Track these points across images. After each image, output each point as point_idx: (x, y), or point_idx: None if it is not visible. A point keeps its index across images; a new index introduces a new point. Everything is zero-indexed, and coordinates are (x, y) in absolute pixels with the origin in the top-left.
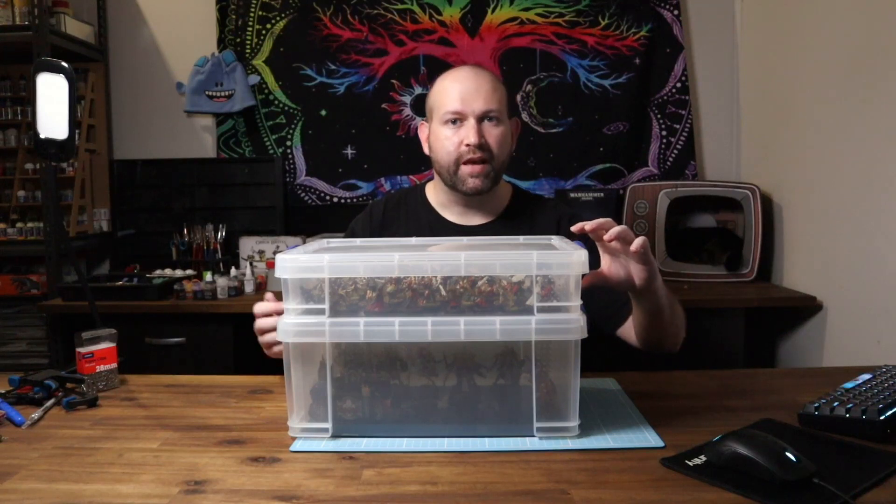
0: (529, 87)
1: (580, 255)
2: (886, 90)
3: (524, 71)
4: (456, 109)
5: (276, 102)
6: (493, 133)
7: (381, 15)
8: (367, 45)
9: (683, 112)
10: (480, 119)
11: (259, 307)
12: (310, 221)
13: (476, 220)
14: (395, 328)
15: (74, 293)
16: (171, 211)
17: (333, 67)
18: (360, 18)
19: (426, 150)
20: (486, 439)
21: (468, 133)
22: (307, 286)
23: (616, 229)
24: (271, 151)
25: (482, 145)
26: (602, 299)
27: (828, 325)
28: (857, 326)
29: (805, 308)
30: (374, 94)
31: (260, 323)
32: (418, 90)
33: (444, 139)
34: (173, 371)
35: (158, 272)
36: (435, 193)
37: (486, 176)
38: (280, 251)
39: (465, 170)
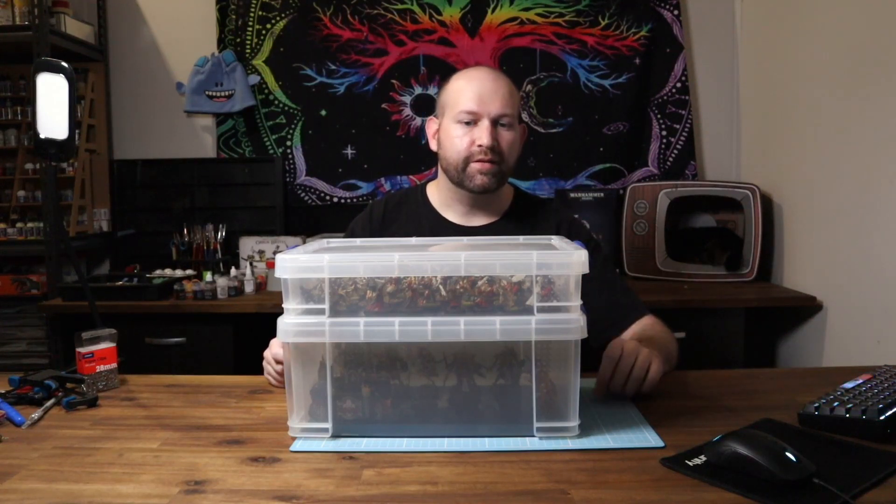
0: (529, 87)
1: (580, 255)
2: (886, 90)
3: (524, 71)
4: (471, 109)
5: (276, 102)
6: (505, 137)
7: (381, 15)
8: (367, 45)
9: (683, 112)
10: (495, 122)
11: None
12: (310, 221)
13: (477, 220)
14: (395, 328)
15: (74, 293)
16: (171, 211)
17: (333, 67)
18: (360, 18)
19: (433, 146)
20: (486, 439)
21: (481, 134)
22: (307, 286)
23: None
24: (271, 151)
25: (494, 148)
26: (596, 307)
27: (828, 325)
28: (857, 326)
29: (805, 308)
30: (374, 94)
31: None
32: (418, 90)
33: (455, 137)
34: (173, 371)
35: (158, 272)
36: (437, 193)
37: (495, 175)
38: (280, 251)
39: (475, 167)
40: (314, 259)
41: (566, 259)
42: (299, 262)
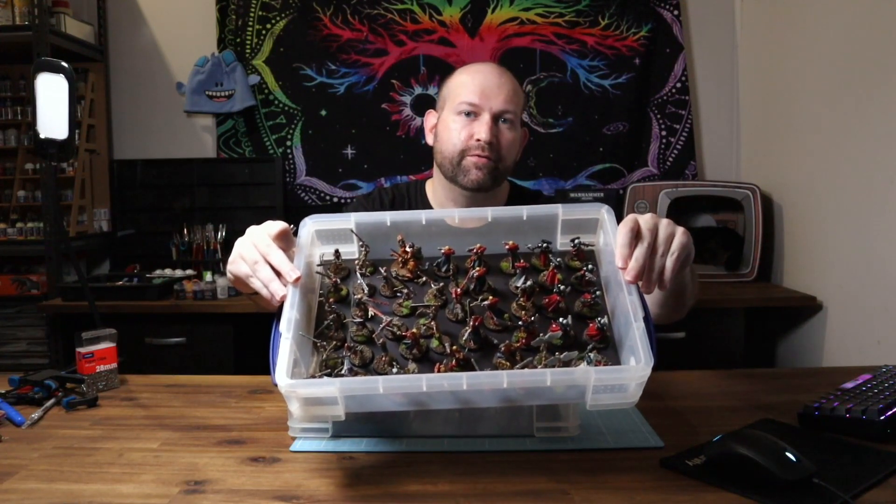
0: (529, 87)
1: (640, 368)
2: (886, 90)
3: (524, 71)
4: (473, 101)
5: (276, 102)
6: (505, 135)
7: (381, 15)
8: (367, 45)
9: (683, 112)
10: (496, 118)
11: (272, 231)
12: None
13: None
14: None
15: (74, 293)
16: (171, 211)
17: (333, 67)
18: (360, 18)
19: (429, 140)
20: (486, 439)
21: (481, 128)
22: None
23: (633, 272)
24: (271, 151)
25: (492, 144)
26: None
27: (828, 325)
28: (857, 326)
29: (805, 308)
30: (374, 94)
31: (252, 258)
32: (418, 90)
33: (453, 130)
34: (173, 371)
35: (158, 272)
36: (433, 192)
37: (490, 172)
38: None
39: (471, 160)
40: (324, 387)
41: (625, 374)
42: (311, 387)
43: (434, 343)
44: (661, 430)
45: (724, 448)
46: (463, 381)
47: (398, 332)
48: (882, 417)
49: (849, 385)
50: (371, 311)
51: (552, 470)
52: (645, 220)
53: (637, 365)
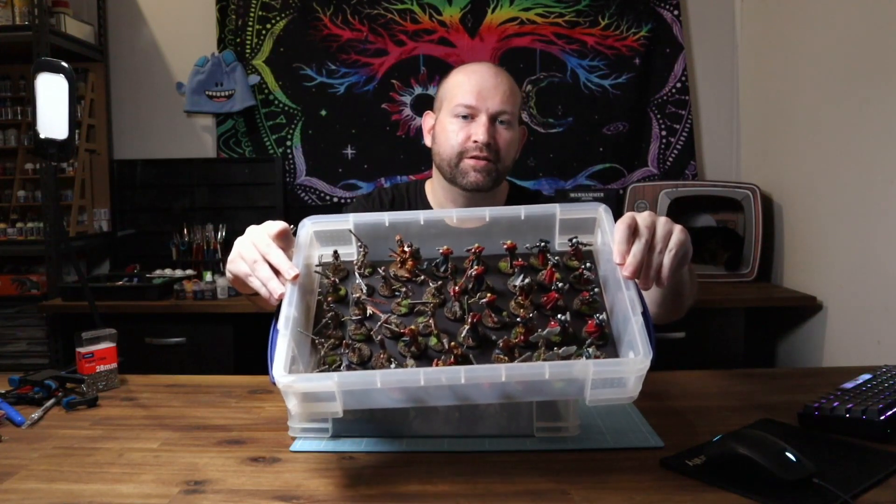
0: (529, 87)
1: (639, 361)
2: (886, 90)
3: (524, 71)
4: (469, 103)
5: (276, 102)
6: (503, 136)
7: (381, 15)
8: (367, 45)
9: (683, 112)
10: (493, 119)
11: (272, 230)
12: None
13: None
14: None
15: (74, 293)
16: (171, 211)
17: (333, 67)
18: (360, 18)
19: (427, 142)
20: (486, 439)
21: (478, 130)
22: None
23: (631, 267)
24: (271, 151)
25: (490, 145)
26: None
27: (828, 325)
28: (857, 326)
29: (805, 308)
30: (374, 94)
31: (252, 257)
32: (418, 90)
33: (450, 132)
34: (173, 371)
35: (158, 272)
36: (433, 193)
37: (489, 173)
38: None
39: (469, 163)
40: (323, 381)
41: (624, 366)
42: (309, 383)
43: (432, 341)
44: (661, 430)
45: (724, 448)
46: (461, 374)
47: (397, 330)
48: (882, 417)
49: (849, 385)
50: (369, 310)
51: (552, 470)
52: (643, 217)
53: (636, 358)
